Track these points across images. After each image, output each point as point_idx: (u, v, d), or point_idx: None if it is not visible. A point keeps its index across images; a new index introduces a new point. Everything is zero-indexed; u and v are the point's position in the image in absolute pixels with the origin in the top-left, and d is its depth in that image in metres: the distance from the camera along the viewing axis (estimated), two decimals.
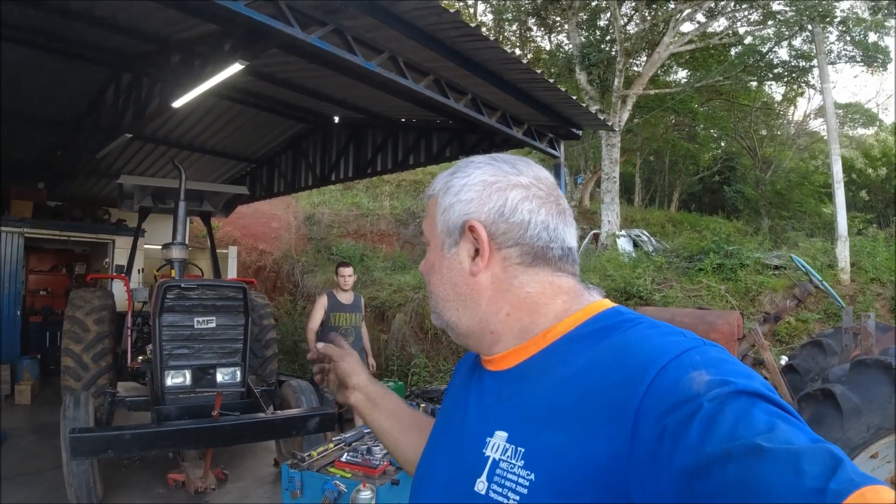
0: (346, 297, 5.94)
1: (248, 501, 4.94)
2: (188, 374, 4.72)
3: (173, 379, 4.65)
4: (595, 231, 15.21)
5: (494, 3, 20.25)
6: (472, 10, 22.35)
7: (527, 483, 0.71)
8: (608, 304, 0.87)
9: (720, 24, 16.14)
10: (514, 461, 0.74)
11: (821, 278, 4.46)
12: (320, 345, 1.24)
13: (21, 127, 8.15)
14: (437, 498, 0.86)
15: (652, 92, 16.27)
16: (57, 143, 8.94)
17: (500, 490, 0.73)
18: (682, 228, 15.42)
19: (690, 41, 15.33)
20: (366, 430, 3.20)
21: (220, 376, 4.84)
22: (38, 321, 11.06)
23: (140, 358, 6.18)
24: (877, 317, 4.93)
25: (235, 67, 4.74)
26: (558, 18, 19.03)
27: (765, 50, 15.55)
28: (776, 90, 22.02)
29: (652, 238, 14.25)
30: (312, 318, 5.81)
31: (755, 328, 4.51)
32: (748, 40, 16.04)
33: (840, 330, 4.67)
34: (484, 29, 22.30)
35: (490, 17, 22.16)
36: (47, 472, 5.33)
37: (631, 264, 11.12)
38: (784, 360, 5.37)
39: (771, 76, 16.47)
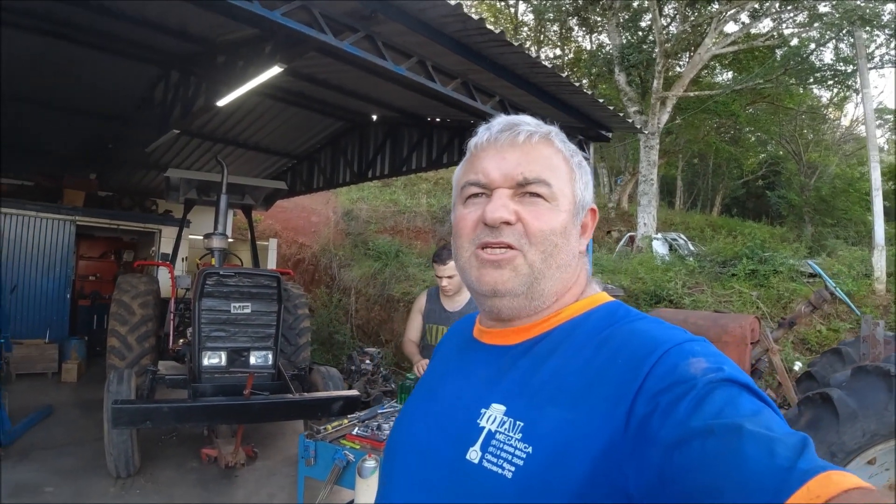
0: (451, 304, 3.82)
1: (275, 477, 5.25)
2: (223, 355, 5.05)
3: (210, 359, 4.99)
4: (631, 233, 15.16)
5: (535, 3, 20.29)
6: (512, 11, 22.41)
7: (524, 455, 0.73)
8: (608, 297, 0.92)
9: (765, 25, 15.89)
10: (511, 434, 0.76)
11: (835, 285, 4.51)
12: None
13: (76, 120, 8.60)
14: (417, 464, 0.87)
15: (692, 94, 16.09)
16: (109, 137, 9.37)
17: (494, 460, 0.75)
18: (722, 233, 15.25)
19: (734, 42, 15.13)
20: (379, 411, 3.43)
21: (253, 359, 5.16)
22: (87, 305, 11.63)
23: (181, 341, 6.55)
24: None
25: (275, 70, 5.02)
26: (599, 18, 18.97)
27: (806, 53, 15.23)
28: (822, 93, 21.52)
29: (689, 242, 14.14)
30: (410, 328, 3.98)
31: (766, 332, 4.57)
32: (794, 42, 15.74)
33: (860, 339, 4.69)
34: (525, 29, 22.45)
35: (531, 17, 22.18)
36: (89, 444, 5.71)
37: (663, 267, 11.12)
38: (798, 365, 5.38)
39: (812, 80, 16.12)
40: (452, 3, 4.12)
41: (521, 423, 0.76)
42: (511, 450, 0.74)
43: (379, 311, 12.12)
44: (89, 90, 7.61)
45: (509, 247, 0.85)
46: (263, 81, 5.35)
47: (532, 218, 0.85)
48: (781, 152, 22.83)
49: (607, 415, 0.70)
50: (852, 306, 4.85)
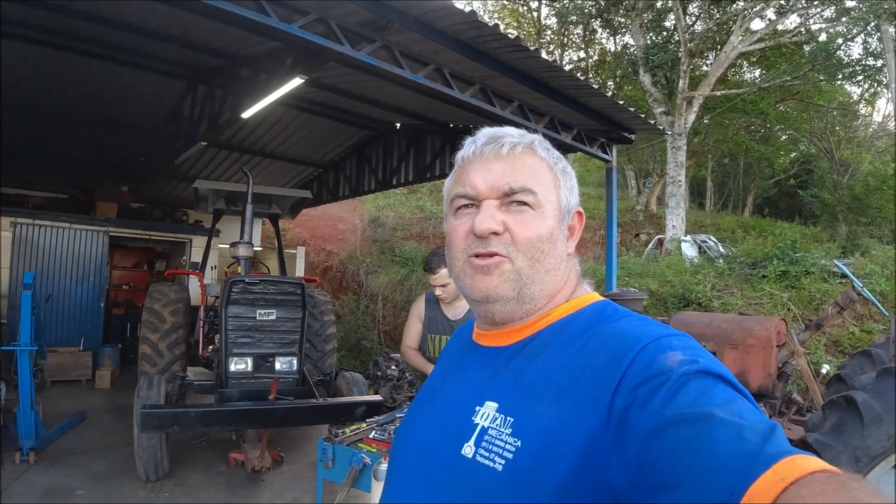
0: (452, 312, 3.62)
1: (300, 481, 5.33)
2: (250, 361, 5.15)
3: (236, 365, 5.10)
4: (660, 236, 14.97)
5: (558, 6, 20.25)
6: (535, 15, 22.39)
7: (513, 449, 0.76)
8: (598, 297, 0.96)
9: (792, 20, 15.62)
10: (502, 429, 0.79)
11: (862, 285, 4.41)
12: None
13: (108, 135, 8.88)
14: (418, 461, 0.91)
15: (719, 93, 15.87)
16: (140, 150, 9.64)
17: (486, 454, 0.78)
18: (753, 234, 14.96)
19: (760, 39, 14.89)
20: (397, 415, 3.48)
21: (279, 364, 5.25)
22: (120, 313, 11.97)
23: (210, 347, 6.70)
24: None
25: (296, 81, 5.14)
26: (623, 20, 18.85)
27: (834, 48, 14.91)
28: (852, 89, 21.04)
29: (719, 243, 13.90)
30: (408, 336, 3.82)
31: (791, 335, 4.49)
32: (822, 37, 15.43)
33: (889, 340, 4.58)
34: (549, 32, 22.41)
35: (554, 20, 22.12)
36: (120, 448, 5.87)
37: (692, 270, 10.97)
38: (826, 368, 5.26)
39: (841, 75, 15.76)
40: (467, 10, 4.17)
41: (512, 419, 0.79)
42: (502, 444, 0.77)
43: (406, 318, 12.14)
44: (120, 105, 7.86)
45: (498, 255, 0.88)
46: (286, 93, 5.47)
47: (519, 226, 0.88)
48: (813, 150, 22.30)
49: (590, 410, 0.73)
50: (880, 307, 4.75)
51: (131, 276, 13.92)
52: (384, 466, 2.50)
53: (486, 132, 0.96)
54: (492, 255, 0.88)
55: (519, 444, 0.76)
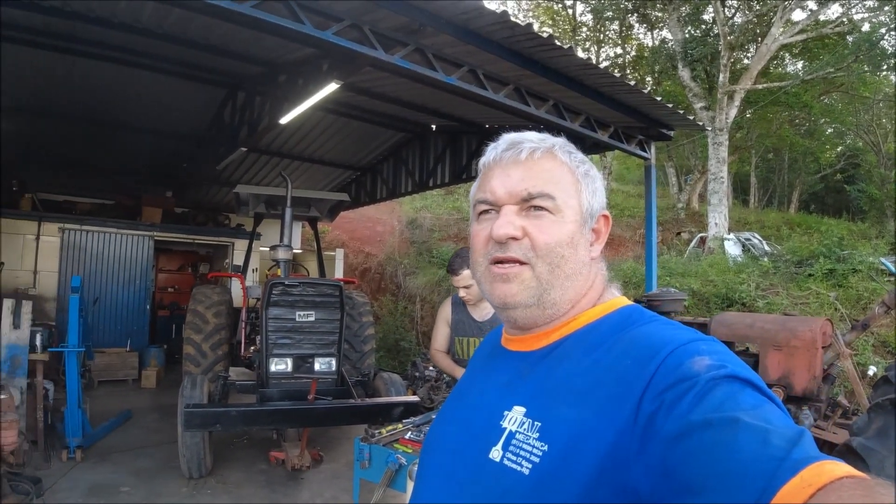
0: (479, 313, 3.55)
1: (338, 480, 5.40)
2: (289, 361, 5.26)
3: (276, 365, 5.21)
4: (702, 234, 14.66)
5: (594, 2, 20.02)
6: (570, 12, 22.18)
7: (540, 453, 0.77)
8: (626, 301, 0.96)
9: (834, 11, 15.13)
10: (529, 433, 0.80)
11: None
12: None
13: (152, 142, 9.17)
14: (446, 463, 0.93)
15: (760, 87, 15.46)
16: (183, 156, 9.94)
17: (514, 458, 0.79)
18: (798, 231, 14.51)
19: (802, 31, 14.46)
20: (433, 416, 3.49)
21: (318, 365, 5.35)
22: (166, 315, 12.38)
23: (252, 348, 6.85)
24: None
25: (332, 86, 5.22)
26: (660, 14, 18.54)
27: (877, 38, 14.36)
28: None
29: (764, 241, 13.54)
30: (436, 339, 3.74)
31: (837, 335, 4.36)
32: (865, 28, 14.90)
33: None
34: (584, 29, 22.18)
35: (589, 17, 21.89)
36: (165, 446, 6.05)
37: (736, 269, 10.71)
38: (873, 370, 5.09)
39: (885, 66, 15.17)
40: (499, 10, 4.17)
41: (539, 423, 0.80)
42: (529, 448, 0.78)
43: None
44: (165, 114, 8.12)
45: (518, 261, 0.89)
46: (323, 97, 5.55)
47: (538, 232, 0.88)
48: (860, 143, 21.57)
49: (614, 413, 0.73)
50: None
51: (176, 278, 14.32)
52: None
53: (507, 138, 0.96)
54: (512, 261, 0.89)
55: (546, 448, 0.77)
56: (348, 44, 4.14)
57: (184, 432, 4.82)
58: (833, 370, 4.56)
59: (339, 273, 12.79)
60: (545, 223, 0.89)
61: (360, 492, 2.99)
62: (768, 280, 9.97)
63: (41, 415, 5.83)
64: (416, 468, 2.58)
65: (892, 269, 4.47)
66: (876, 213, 17.78)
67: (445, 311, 3.65)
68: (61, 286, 9.58)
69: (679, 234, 16.42)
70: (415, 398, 5.18)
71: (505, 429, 0.84)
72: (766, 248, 12.91)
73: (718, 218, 13.74)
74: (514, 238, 0.88)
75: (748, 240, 13.43)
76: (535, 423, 0.80)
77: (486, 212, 0.94)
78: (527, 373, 0.91)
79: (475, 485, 0.84)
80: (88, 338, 6.59)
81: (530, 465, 0.77)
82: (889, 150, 19.24)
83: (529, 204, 0.89)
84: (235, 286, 8.66)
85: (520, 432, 0.81)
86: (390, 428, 3.08)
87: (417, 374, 8.24)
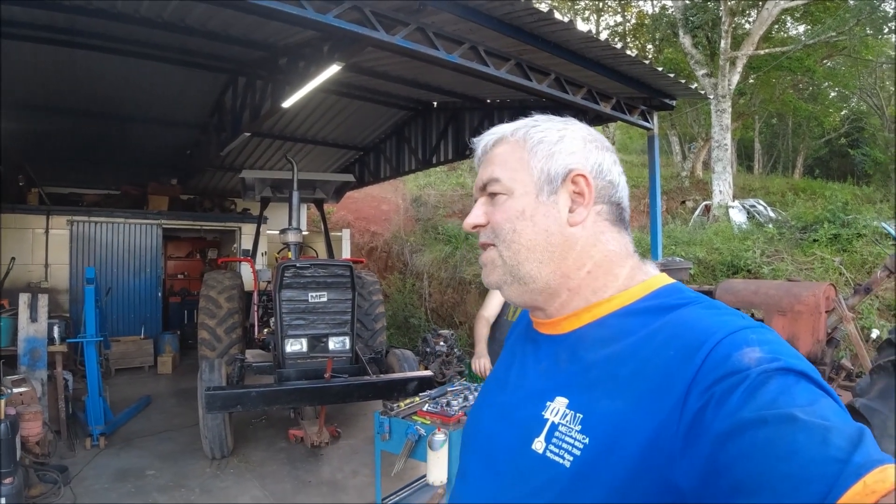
0: None
1: (357, 455, 5.56)
2: (304, 342, 5.37)
3: (292, 346, 5.32)
4: (707, 202, 14.64)
5: None
6: None
7: (581, 446, 0.75)
8: (666, 279, 0.91)
9: None
10: (571, 425, 0.78)
11: None
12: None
13: (156, 130, 9.20)
14: (487, 451, 0.92)
15: (762, 52, 15.31)
16: (187, 143, 9.99)
17: (556, 451, 0.78)
18: (803, 197, 14.45)
19: None
20: (448, 388, 3.60)
21: (332, 344, 5.46)
22: (177, 301, 12.49)
23: (265, 330, 6.96)
24: None
25: (334, 68, 5.24)
26: None
27: (877, 1, 14.16)
28: None
29: (769, 208, 13.52)
30: (487, 305, 3.96)
31: (840, 299, 4.42)
32: None
33: None
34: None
35: None
36: (186, 429, 6.23)
37: (741, 236, 10.74)
38: (876, 333, 5.16)
39: (887, 28, 14.96)
40: None
41: (581, 415, 0.79)
42: (571, 441, 0.77)
43: (452, 294, 12.32)
44: (167, 102, 8.14)
45: (491, 245, 0.94)
46: (325, 79, 5.58)
47: (493, 214, 0.93)
48: (864, 107, 21.35)
49: (655, 405, 0.71)
50: None
51: (185, 265, 14.44)
52: (439, 437, 2.63)
53: (481, 136, 1.01)
54: (484, 246, 0.95)
55: (587, 440, 0.76)
56: (350, 26, 4.16)
57: (206, 414, 4.95)
58: (837, 334, 4.64)
59: (346, 253, 12.87)
60: (498, 205, 0.93)
61: (381, 463, 3.10)
62: (773, 246, 9.99)
63: (63, 405, 5.97)
64: (435, 438, 2.69)
65: (893, 233, 4.48)
66: (881, 177, 17.68)
67: None
68: (73, 278, 9.69)
69: (683, 202, 16.39)
70: (428, 373, 5.29)
71: (547, 420, 0.83)
72: (771, 214, 12.89)
73: (723, 185, 13.70)
74: (480, 225, 0.95)
75: (753, 206, 13.41)
76: (578, 414, 0.79)
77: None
78: (564, 359, 0.89)
79: (516, 476, 0.83)
80: (104, 327, 6.70)
81: (571, 458, 0.76)
82: (892, 112, 19.07)
83: (486, 192, 0.95)
84: (244, 270, 8.77)
85: (563, 424, 0.80)
86: (408, 401, 3.18)
87: (428, 349, 8.35)
